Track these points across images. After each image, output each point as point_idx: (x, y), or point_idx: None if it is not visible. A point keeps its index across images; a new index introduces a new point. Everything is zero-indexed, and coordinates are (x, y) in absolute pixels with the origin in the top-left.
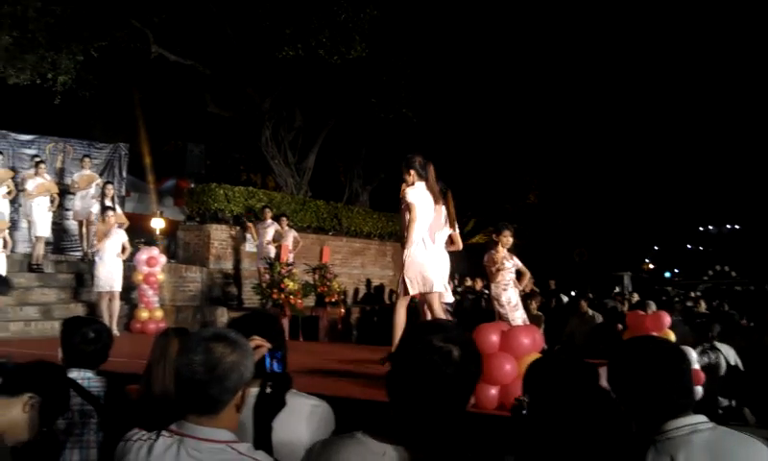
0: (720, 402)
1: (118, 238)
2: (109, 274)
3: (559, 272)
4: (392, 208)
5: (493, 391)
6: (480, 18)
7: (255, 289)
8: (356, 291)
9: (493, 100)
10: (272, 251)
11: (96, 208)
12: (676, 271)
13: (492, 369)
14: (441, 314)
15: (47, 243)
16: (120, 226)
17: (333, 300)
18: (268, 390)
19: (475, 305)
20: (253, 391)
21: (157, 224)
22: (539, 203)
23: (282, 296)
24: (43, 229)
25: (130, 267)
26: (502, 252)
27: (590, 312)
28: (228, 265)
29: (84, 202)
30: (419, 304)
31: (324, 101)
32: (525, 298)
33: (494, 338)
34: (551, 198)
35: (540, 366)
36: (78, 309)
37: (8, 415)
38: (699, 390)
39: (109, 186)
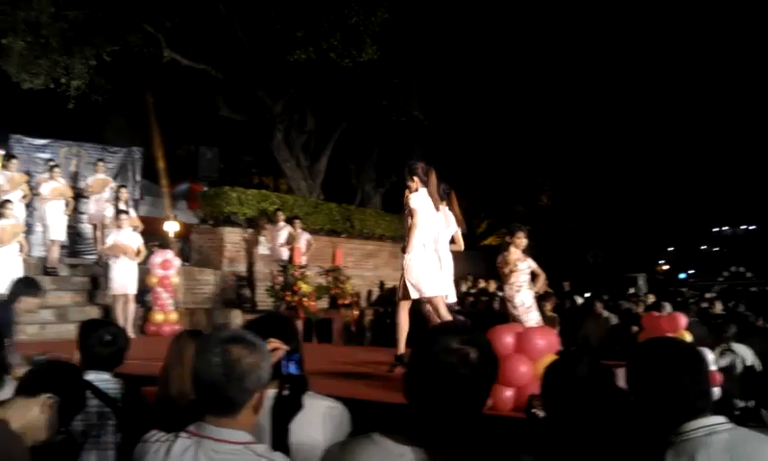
0: (737, 404)
1: (133, 241)
2: (124, 277)
3: (573, 273)
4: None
5: (509, 393)
6: (492, 19)
7: (269, 292)
8: (369, 293)
9: (505, 101)
10: (285, 253)
11: (110, 212)
12: (691, 272)
13: (508, 371)
14: (447, 317)
15: (62, 246)
16: (134, 229)
17: (346, 302)
18: (285, 392)
19: (488, 307)
20: (271, 393)
21: (171, 227)
22: (552, 204)
23: (296, 298)
24: (58, 232)
25: (144, 270)
26: (515, 253)
27: (605, 314)
28: (241, 268)
29: (99, 205)
30: (424, 308)
31: (335, 104)
32: (540, 299)
33: (509, 340)
34: (564, 199)
35: (557, 368)
36: (93, 312)
37: (27, 416)
38: (716, 391)
39: (123, 190)
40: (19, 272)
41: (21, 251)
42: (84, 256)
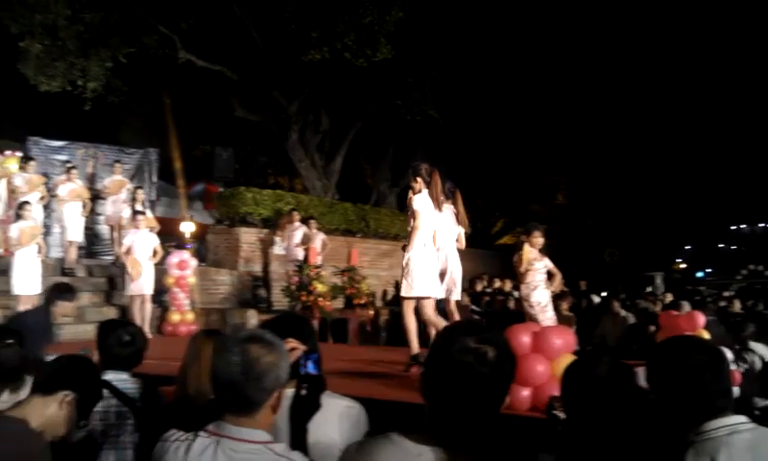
0: (756, 403)
1: (149, 242)
2: (141, 278)
3: (589, 272)
4: None
5: (526, 392)
6: (507, 17)
7: (284, 292)
8: (384, 293)
9: (521, 100)
10: (300, 253)
11: (127, 213)
12: (708, 270)
13: (525, 370)
14: (434, 319)
15: (79, 247)
16: (151, 230)
17: (362, 302)
18: (303, 392)
19: (503, 306)
20: (289, 392)
21: (187, 227)
22: (568, 203)
23: (311, 298)
24: (75, 233)
25: (161, 270)
26: (531, 252)
27: (623, 313)
28: (257, 268)
29: (116, 206)
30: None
31: (350, 103)
32: (556, 298)
33: (526, 339)
34: (580, 198)
35: (577, 368)
36: (110, 313)
37: (45, 413)
38: (735, 391)
39: (140, 191)
40: (38, 273)
41: (40, 252)
42: (102, 257)
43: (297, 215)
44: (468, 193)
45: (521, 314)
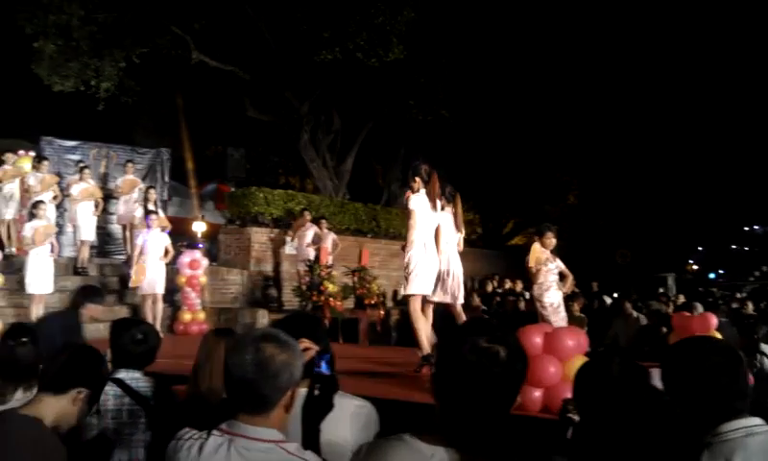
0: None
1: (161, 242)
2: (153, 277)
3: (601, 273)
4: None
5: (538, 393)
6: (520, 17)
7: (295, 291)
8: (395, 293)
9: (532, 100)
10: (311, 253)
11: (139, 213)
12: (721, 272)
13: (537, 371)
14: (419, 317)
15: (92, 247)
16: (163, 229)
17: (372, 302)
18: (316, 392)
19: (514, 307)
20: (302, 392)
21: (199, 227)
22: (579, 203)
23: (322, 298)
24: (88, 233)
25: (173, 270)
26: (542, 252)
27: (635, 314)
28: (268, 268)
29: (128, 206)
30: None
31: (361, 103)
32: (567, 299)
33: (538, 340)
34: (592, 198)
35: (590, 369)
36: (122, 312)
37: (58, 409)
38: None
39: (152, 191)
40: (51, 273)
41: (53, 252)
42: (114, 256)
43: (308, 215)
44: (479, 193)
45: (532, 315)
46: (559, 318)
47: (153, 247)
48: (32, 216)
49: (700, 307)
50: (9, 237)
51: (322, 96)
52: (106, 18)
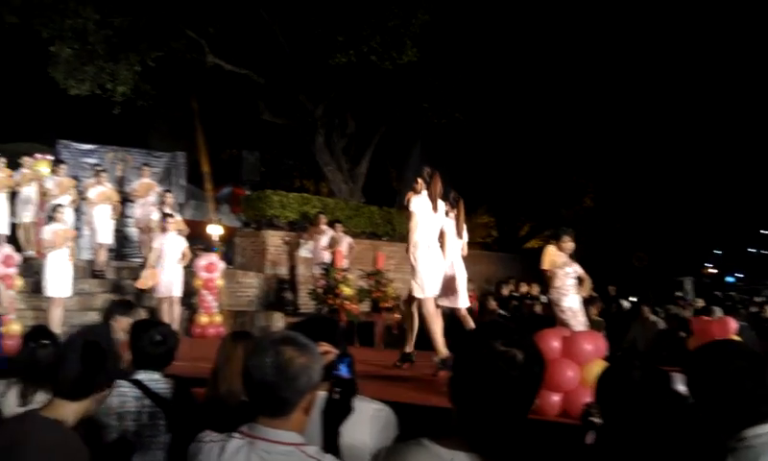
0: None
1: (178, 245)
2: (170, 280)
3: (618, 277)
4: None
5: (556, 397)
6: (535, 19)
7: (311, 295)
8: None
9: (547, 102)
10: (326, 256)
11: (156, 216)
12: (739, 275)
13: (555, 375)
14: (435, 319)
15: (109, 250)
16: (179, 233)
17: (388, 305)
18: (335, 396)
19: (531, 310)
20: (321, 395)
21: (215, 230)
22: (595, 206)
23: (338, 301)
24: (105, 236)
25: (189, 273)
26: (557, 255)
27: (653, 318)
28: (283, 271)
29: (144, 209)
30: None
31: (376, 106)
32: (585, 303)
33: (556, 344)
34: (608, 201)
35: (613, 372)
36: (139, 314)
37: (80, 411)
38: None
39: (168, 195)
40: (70, 276)
41: (71, 255)
42: (131, 259)
43: (323, 218)
44: (494, 196)
45: (549, 318)
46: (578, 322)
47: (170, 250)
48: (51, 219)
49: (719, 311)
50: (27, 240)
51: (336, 99)
52: (121, 22)
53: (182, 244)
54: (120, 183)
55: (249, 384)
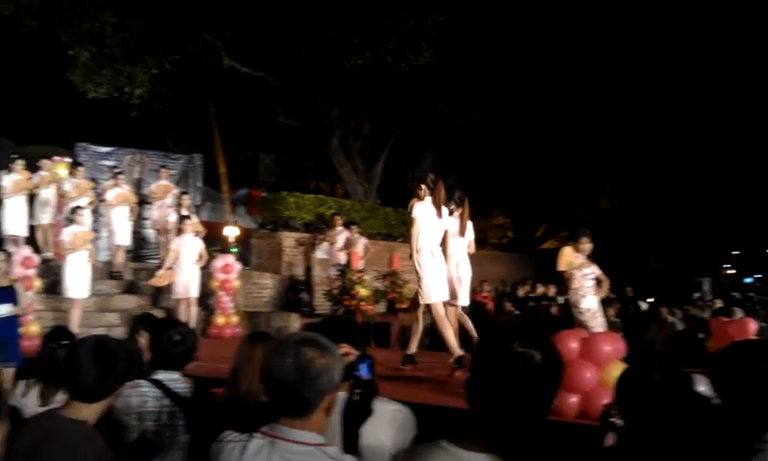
0: None
1: (195, 246)
2: (186, 281)
3: (635, 278)
4: None
5: (574, 399)
6: (551, 21)
7: (327, 296)
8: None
9: (563, 103)
10: (342, 258)
11: (173, 218)
12: (757, 276)
13: (573, 376)
14: (444, 322)
15: (127, 251)
16: (196, 234)
17: (404, 306)
18: (356, 397)
19: (547, 312)
20: (341, 396)
21: (231, 232)
22: (612, 207)
23: (354, 302)
24: (123, 237)
25: (206, 274)
26: (574, 256)
27: (670, 319)
28: (299, 272)
29: (162, 211)
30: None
31: (391, 108)
32: (603, 304)
33: (574, 345)
34: (625, 202)
35: (632, 374)
36: (157, 315)
37: (100, 410)
38: None
39: (185, 196)
40: (88, 277)
41: (90, 257)
42: (148, 261)
43: (339, 220)
44: (510, 197)
45: (566, 319)
46: (597, 323)
47: (186, 252)
48: (70, 222)
49: (739, 312)
50: (45, 242)
51: (352, 101)
52: (138, 26)
53: (199, 245)
54: (137, 186)
55: (270, 384)
